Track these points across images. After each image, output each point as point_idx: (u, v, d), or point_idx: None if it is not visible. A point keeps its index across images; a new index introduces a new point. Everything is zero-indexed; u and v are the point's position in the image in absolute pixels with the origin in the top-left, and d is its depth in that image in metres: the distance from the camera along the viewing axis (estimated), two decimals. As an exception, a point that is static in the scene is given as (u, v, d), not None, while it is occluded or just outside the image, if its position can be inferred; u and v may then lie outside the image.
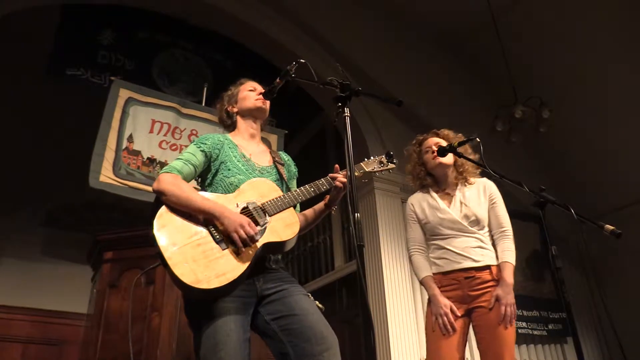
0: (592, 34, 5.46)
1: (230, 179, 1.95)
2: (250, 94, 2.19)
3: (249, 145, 2.13)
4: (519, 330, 5.46)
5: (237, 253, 1.75)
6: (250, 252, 1.77)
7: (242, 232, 1.76)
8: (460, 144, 2.51)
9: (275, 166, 2.12)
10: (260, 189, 1.94)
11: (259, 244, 1.80)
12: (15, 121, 5.86)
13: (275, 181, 2.04)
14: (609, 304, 5.76)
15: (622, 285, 5.92)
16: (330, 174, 2.01)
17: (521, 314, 5.56)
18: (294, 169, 2.25)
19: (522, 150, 6.28)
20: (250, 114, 2.18)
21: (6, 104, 5.59)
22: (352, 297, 5.65)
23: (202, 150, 1.99)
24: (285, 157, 2.26)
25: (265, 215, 1.86)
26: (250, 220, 1.81)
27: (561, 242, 5.74)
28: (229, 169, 1.98)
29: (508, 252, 2.49)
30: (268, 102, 2.19)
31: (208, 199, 1.87)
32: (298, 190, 1.98)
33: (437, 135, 2.71)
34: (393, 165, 2.22)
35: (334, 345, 1.76)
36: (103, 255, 3.13)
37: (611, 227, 2.08)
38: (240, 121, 2.19)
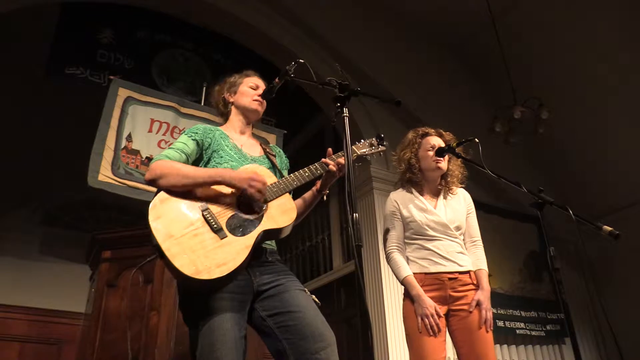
0: (592, 35, 5.47)
1: (224, 166, 1.93)
2: (249, 91, 2.16)
3: (240, 138, 2.12)
4: (517, 331, 5.48)
5: (236, 242, 1.74)
6: (249, 239, 1.76)
7: (255, 183, 1.78)
8: (459, 144, 2.52)
9: (267, 156, 2.12)
10: (257, 172, 1.91)
11: (257, 232, 1.78)
12: (14, 120, 5.85)
13: (268, 169, 2.03)
14: (606, 305, 5.77)
15: (620, 286, 5.93)
16: (323, 159, 2.01)
17: (519, 314, 5.57)
18: (285, 160, 2.24)
19: (521, 151, 6.29)
20: (244, 111, 2.16)
21: (5, 102, 5.58)
22: (351, 297, 5.66)
23: (193, 139, 1.97)
24: (276, 149, 2.26)
25: (266, 189, 1.85)
26: (255, 171, 1.82)
27: (559, 243, 5.75)
28: (222, 157, 1.97)
29: (483, 261, 2.57)
30: (264, 104, 2.18)
31: (208, 168, 1.89)
32: (292, 175, 1.97)
33: (442, 137, 2.69)
34: (384, 148, 2.23)
35: (332, 343, 1.74)
36: (101, 255, 3.12)
37: (609, 228, 2.09)
38: (233, 113, 2.18)
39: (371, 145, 2.21)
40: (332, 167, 1.98)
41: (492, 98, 6.03)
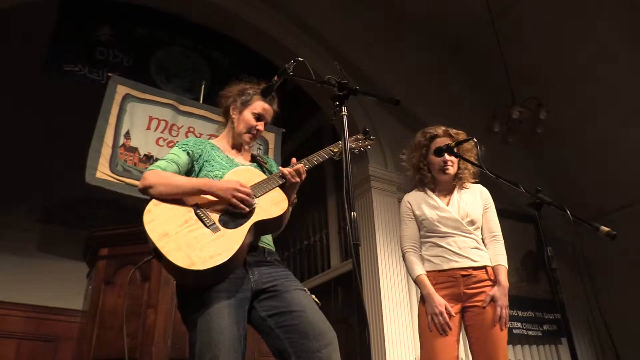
0: (592, 34, 5.47)
1: (215, 172, 1.97)
2: (250, 121, 2.14)
3: (231, 150, 2.17)
4: (514, 331, 5.48)
5: (229, 234, 1.76)
6: (242, 231, 1.78)
7: (239, 194, 1.81)
8: (458, 144, 2.52)
9: (259, 164, 2.17)
10: (244, 176, 1.95)
11: (249, 223, 1.81)
12: (12, 117, 5.84)
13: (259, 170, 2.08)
14: (603, 305, 5.78)
15: (617, 286, 5.94)
16: (281, 168, 2.00)
17: (516, 314, 5.58)
18: (275, 169, 2.24)
19: (519, 151, 6.30)
20: (236, 136, 2.17)
21: (3, 100, 5.57)
22: (348, 296, 5.66)
23: (184, 150, 2.03)
24: (266, 158, 2.29)
25: (252, 197, 1.87)
26: (240, 181, 1.85)
27: (557, 243, 5.76)
28: (213, 165, 2.01)
29: (502, 256, 2.53)
30: (258, 135, 2.19)
31: (194, 178, 1.95)
32: (278, 172, 2.00)
33: (450, 137, 2.64)
34: (371, 142, 2.28)
35: (334, 341, 1.75)
36: (99, 252, 3.13)
37: (606, 229, 2.08)
38: (229, 127, 2.21)
39: (357, 140, 2.26)
40: (286, 172, 1.96)
41: (491, 98, 6.03)
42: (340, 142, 2.09)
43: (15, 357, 5.54)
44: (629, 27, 5.30)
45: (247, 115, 2.16)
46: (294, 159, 2.05)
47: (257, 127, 2.16)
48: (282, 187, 1.99)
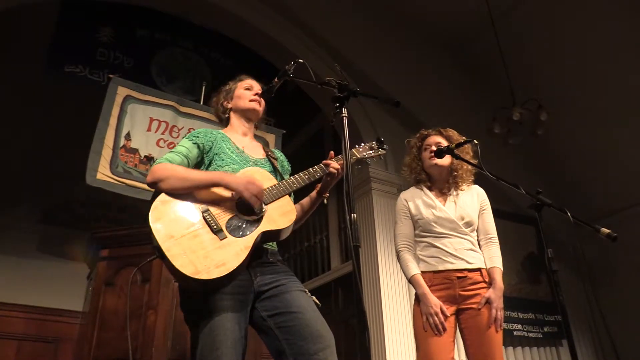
0: (592, 35, 5.47)
1: (225, 169, 1.95)
2: (245, 93, 2.18)
3: (242, 140, 2.14)
4: (515, 333, 5.48)
5: (235, 243, 1.74)
6: (249, 240, 1.76)
7: (252, 188, 1.78)
8: (458, 145, 2.52)
9: (269, 159, 2.13)
10: (255, 178, 1.93)
11: (256, 233, 1.79)
12: (12, 118, 5.85)
13: (269, 172, 2.04)
14: (604, 307, 5.78)
15: (618, 288, 5.94)
16: (324, 161, 2.01)
17: (517, 316, 5.58)
18: (287, 165, 2.25)
19: (520, 152, 6.29)
20: (244, 114, 2.18)
21: (4, 100, 5.57)
22: (348, 297, 5.65)
23: (194, 143, 1.99)
24: (278, 153, 2.27)
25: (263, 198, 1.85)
26: (253, 175, 1.84)
27: (557, 245, 5.75)
28: (223, 159, 1.98)
29: (497, 258, 2.53)
30: (263, 103, 2.20)
31: (207, 171, 1.92)
32: (292, 178, 1.98)
33: (441, 135, 2.68)
34: (384, 152, 2.25)
35: (331, 344, 1.75)
36: (99, 253, 3.12)
37: (607, 231, 2.08)
38: (233, 118, 2.20)
39: (371, 148, 2.23)
40: (333, 169, 1.98)
41: (492, 99, 6.02)
42: (355, 151, 2.14)
43: (16, 358, 5.54)
44: (629, 27, 5.30)
45: (239, 91, 2.21)
46: (331, 152, 2.06)
47: (255, 92, 2.18)
48: (318, 180, 2.01)
